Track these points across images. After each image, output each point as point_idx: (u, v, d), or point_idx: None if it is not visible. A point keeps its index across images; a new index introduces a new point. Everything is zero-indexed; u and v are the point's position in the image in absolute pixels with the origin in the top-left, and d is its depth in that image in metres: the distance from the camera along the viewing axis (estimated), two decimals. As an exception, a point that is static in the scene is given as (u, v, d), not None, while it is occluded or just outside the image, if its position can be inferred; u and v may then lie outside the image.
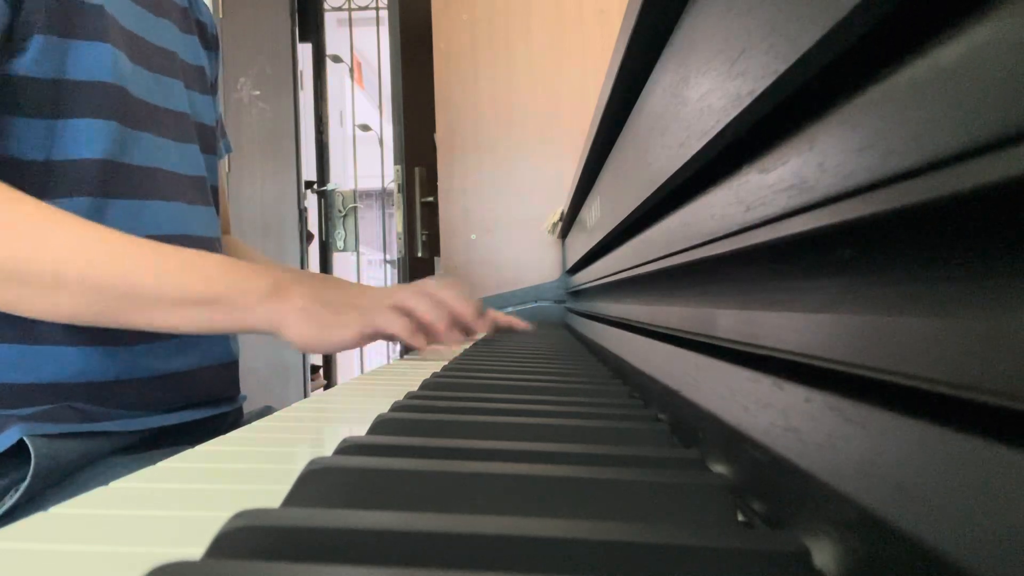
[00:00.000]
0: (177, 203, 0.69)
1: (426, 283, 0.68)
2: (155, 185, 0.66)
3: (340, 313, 0.60)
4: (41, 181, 0.57)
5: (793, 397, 0.20)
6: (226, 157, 0.90)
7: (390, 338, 0.61)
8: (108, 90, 0.61)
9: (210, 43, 0.83)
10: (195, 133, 0.75)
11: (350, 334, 0.60)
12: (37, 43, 0.57)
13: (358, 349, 3.07)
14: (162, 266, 0.56)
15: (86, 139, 0.60)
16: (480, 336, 0.86)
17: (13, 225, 0.52)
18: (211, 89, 0.81)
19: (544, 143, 1.66)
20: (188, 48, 0.76)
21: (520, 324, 0.98)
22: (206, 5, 0.84)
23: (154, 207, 0.66)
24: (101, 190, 0.61)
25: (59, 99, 0.59)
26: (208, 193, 0.76)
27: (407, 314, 0.63)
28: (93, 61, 0.60)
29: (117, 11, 0.64)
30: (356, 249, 2.71)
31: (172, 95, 0.71)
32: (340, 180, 2.94)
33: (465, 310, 0.68)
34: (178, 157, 0.70)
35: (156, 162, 0.67)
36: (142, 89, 0.66)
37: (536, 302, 1.49)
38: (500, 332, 0.89)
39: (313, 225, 2.71)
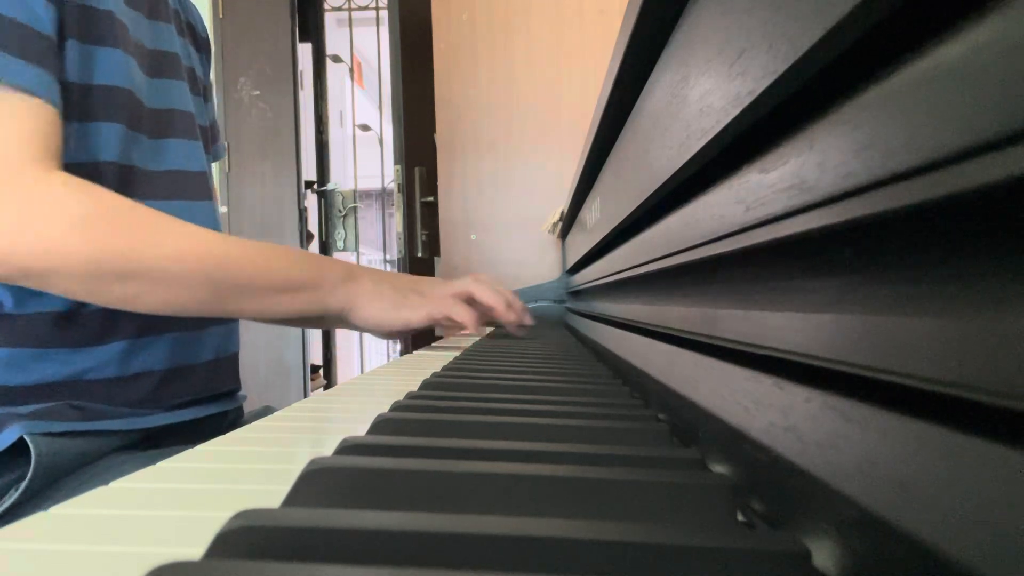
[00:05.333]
0: (180, 201, 0.70)
1: (477, 276, 0.78)
2: (158, 185, 0.68)
3: (407, 296, 0.69)
4: None
5: (793, 397, 0.20)
6: (224, 158, 0.90)
7: (455, 324, 0.70)
8: (122, 95, 0.63)
9: (201, 45, 0.84)
10: (199, 132, 0.76)
11: (418, 316, 0.68)
12: (70, 48, 0.59)
13: (358, 349, 3.09)
14: (265, 258, 0.62)
15: (100, 143, 0.62)
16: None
17: (134, 226, 0.56)
18: (202, 92, 0.82)
19: (544, 143, 1.66)
20: (183, 50, 0.77)
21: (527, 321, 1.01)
22: (195, 7, 0.84)
23: (157, 207, 0.66)
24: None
25: (85, 103, 0.61)
26: (210, 187, 0.77)
27: (471, 302, 0.73)
28: (111, 67, 0.62)
29: (123, 17, 0.65)
30: (356, 249, 2.71)
31: (178, 96, 0.73)
32: (340, 180, 2.94)
33: (515, 300, 0.81)
34: (184, 155, 0.72)
35: (158, 164, 0.69)
36: (149, 94, 0.68)
37: (536, 302, 1.49)
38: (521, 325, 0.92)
39: (313, 225, 2.71)
